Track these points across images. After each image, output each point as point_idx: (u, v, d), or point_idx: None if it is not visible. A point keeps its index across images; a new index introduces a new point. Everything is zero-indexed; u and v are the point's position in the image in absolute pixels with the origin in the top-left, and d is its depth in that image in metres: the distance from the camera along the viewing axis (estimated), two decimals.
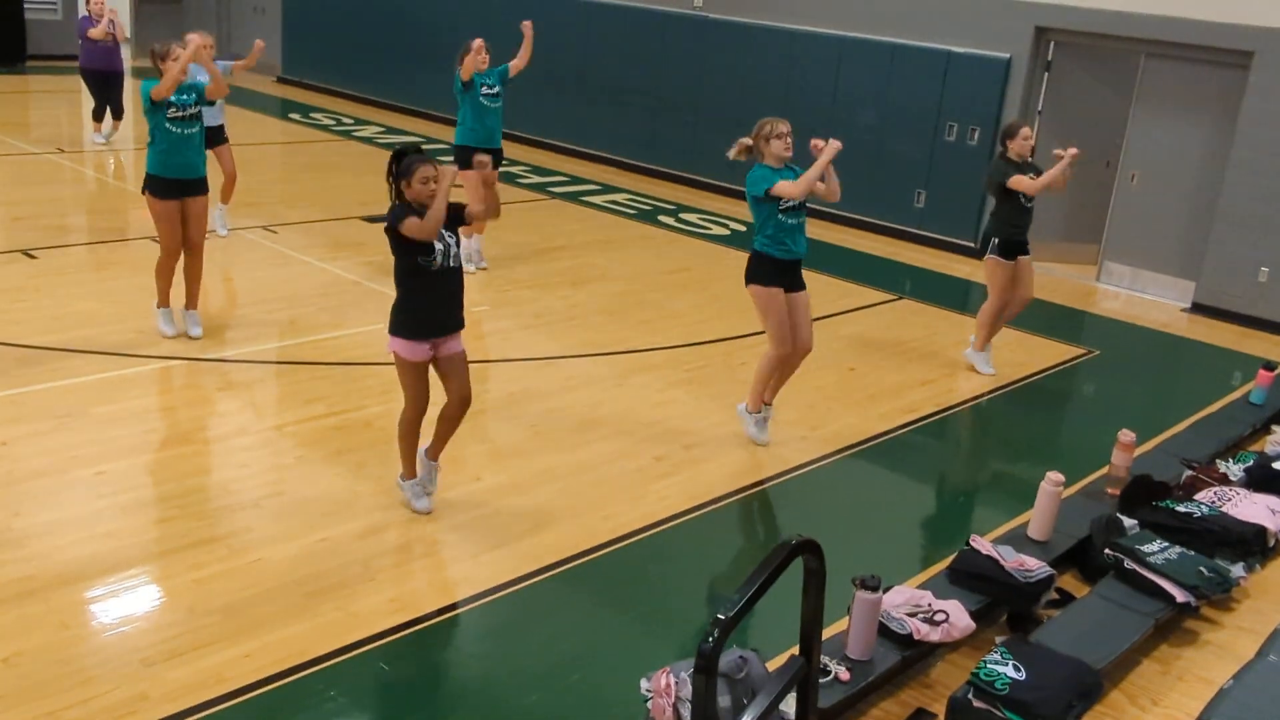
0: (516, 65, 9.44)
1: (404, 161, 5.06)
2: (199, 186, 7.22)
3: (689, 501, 5.88)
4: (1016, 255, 7.81)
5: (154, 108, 6.91)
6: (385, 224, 5.07)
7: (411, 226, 4.96)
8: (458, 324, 5.32)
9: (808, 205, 6.30)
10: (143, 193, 7.17)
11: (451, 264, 5.18)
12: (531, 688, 4.31)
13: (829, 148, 6.04)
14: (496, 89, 9.26)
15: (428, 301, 5.18)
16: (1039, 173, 7.67)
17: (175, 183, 7.06)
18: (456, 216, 5.24)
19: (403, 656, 4.47)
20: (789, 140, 6.12)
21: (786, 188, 6.03)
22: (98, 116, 13.03)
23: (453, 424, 5.47)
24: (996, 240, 7.79)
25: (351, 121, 16.22)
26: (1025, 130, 7.67)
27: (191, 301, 7.43)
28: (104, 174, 12.21)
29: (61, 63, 18.66)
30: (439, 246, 5.08)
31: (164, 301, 7.36)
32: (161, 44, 7.04)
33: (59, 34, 18.97)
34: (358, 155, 14.04)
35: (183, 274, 7.36)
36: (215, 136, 9.32)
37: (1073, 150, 7.56)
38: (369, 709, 4.20)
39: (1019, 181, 7.55)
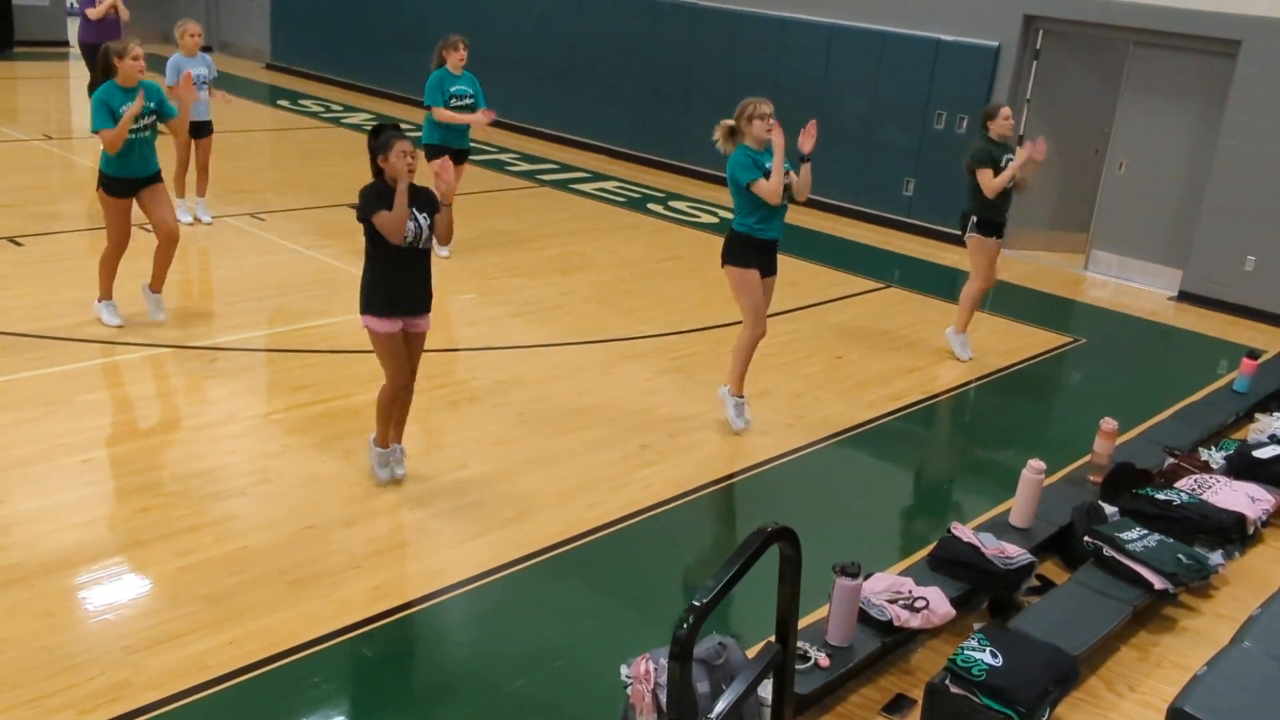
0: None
1: (381, 136, 5.16)
2: (153, 179, 7.13)
3: (674, 489, 5.91)
4: (994, 235, 7.89)
5: (103, 116, 6.78)
6: (356, 212, 5.20)
7: (381, 221, 5.10)
8: (426, 304, 5.43)
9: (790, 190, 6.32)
10: (97, 189, 7.08)
11: (421, 245, 5.27)
12: (515, 674, 4.34)
13: (777, 140, 6.04)
14: (468, 100, 9.07)
15: (397, 280, 5.29)
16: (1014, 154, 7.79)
17: (127, 181, 7.00)
18: (430, 200, 5.31)
19: (387, 644, 4.50)
20: (771, 122, 6.14)
21: (764, 188, 6.08)
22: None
23: (403, 406, 5.56)
24: (975, 219, 7.87)
25: (340, 108, 16.18)
26: (1005, 110, 7.73)
27: (156, 284, 7.38)
28: (92, 160, 12.16)
29: (50, 49, 18.58)
30: (410, 226, 5.18)
31: (106, 295, 7.30)
32: (119, 42, 6.97)
33: (47, 19, 18.87)
34: (346, 142, 14.01)
35: (153, 257, 7.33)
36: (202, 129, 9.32)
37: (1036, 144, 7.62)
38: (353, 696, 4.22)
39: (984, 177, 7.66)
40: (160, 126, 7.13)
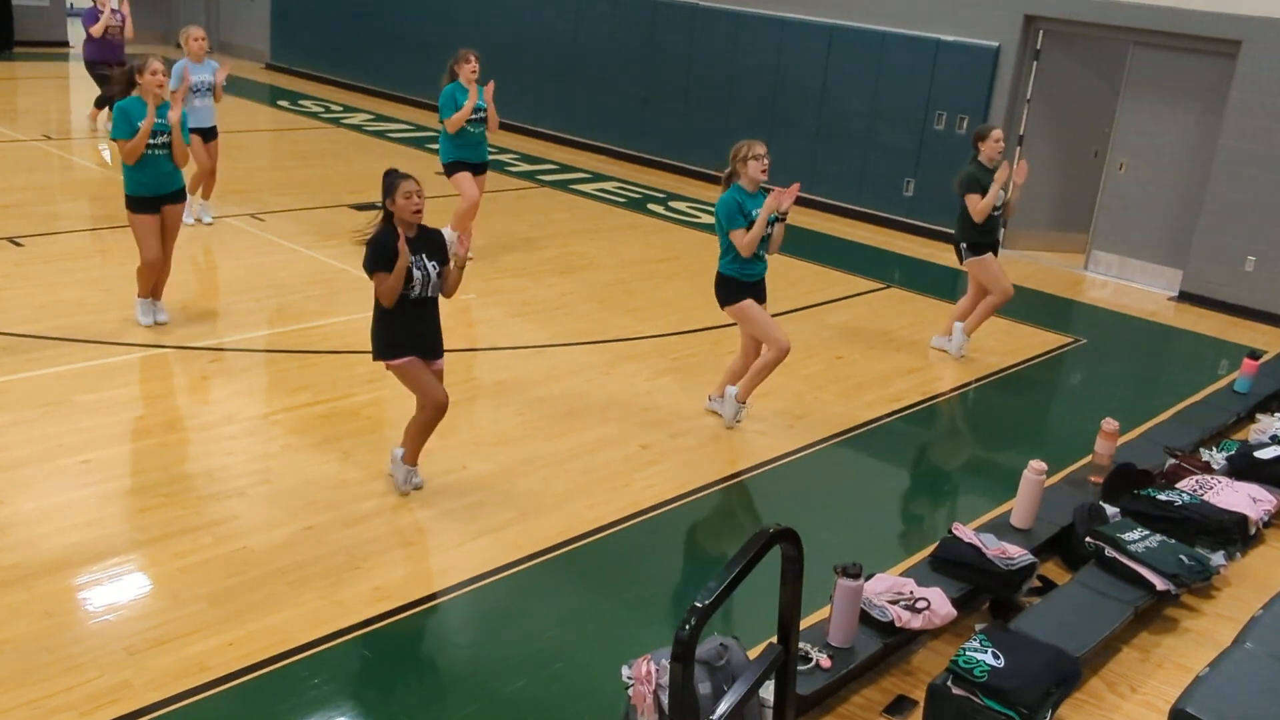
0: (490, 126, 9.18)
1: (387, 179, 5.17)
2: (178, 196, 7.24)
3: (675, 490, 5.90)
4: (986, 253, 7.96)
5: (121, 126, 6.85)
6: (363, 261, 5.21)
7: (377, 283, 5.12)
8: (436, 353, 5.40)
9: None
10: (127, 210, 7.14)
11: (429, 294, 5.25)
12: (515, 675, 4.33)
13: (769, 200, 6.14)
14: (481, 114, 9.00)
15: (405, 328, 5.27)
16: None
17: (154, 199, 7.07)
18: (440, 246, 5.30)
19: (387, 645, 4.49)
20: (765, 162, 6.22)
21: (740, 239, 6.19)
22: (101, 105, 13.01)
23: (426, 430, 5.50)
24: (965, 244, 7.98)
25: (340, 109, 16.17)
26: (996, 133, 7.76)
27: (157, 293, 7.42)
28: (92, 161, 12.16)
29: (50, 49, 18.57)
30: (418, 274, 5.17)
31: (144, 293, 7.35)
32: (140, 58, 7.01)
33: (47, 20, 18.85)
34: (346, 142, 14.01)
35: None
36: (207, 134, 9.32)
37: (1018, 167, 7.85)
38: (353, 697, 4.21)
39: (973, 202, 7.74)
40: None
